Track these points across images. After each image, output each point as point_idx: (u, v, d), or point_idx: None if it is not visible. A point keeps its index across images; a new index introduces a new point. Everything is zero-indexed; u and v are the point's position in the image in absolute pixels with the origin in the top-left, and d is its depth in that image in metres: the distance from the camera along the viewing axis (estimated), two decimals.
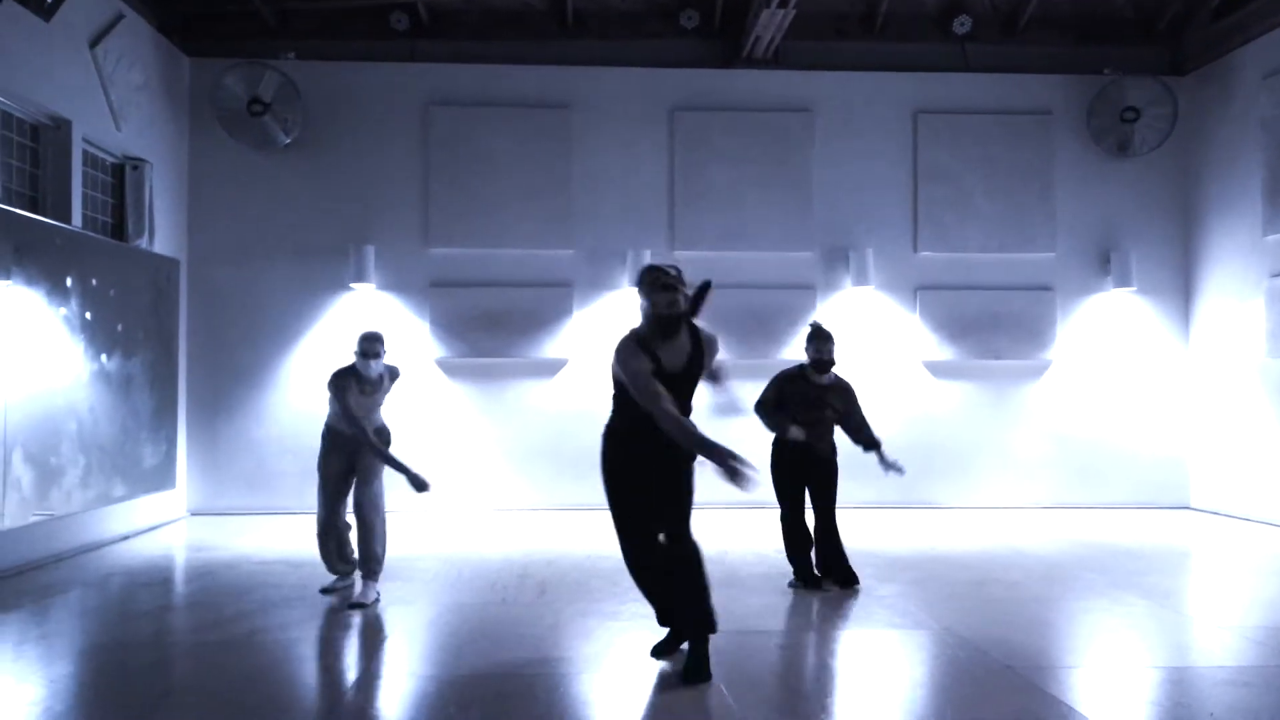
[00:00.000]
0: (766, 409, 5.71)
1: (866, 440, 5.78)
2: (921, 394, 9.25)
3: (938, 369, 9.28)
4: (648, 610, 5.07)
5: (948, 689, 3.87)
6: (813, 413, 5.65)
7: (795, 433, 5.56)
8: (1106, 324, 9.38)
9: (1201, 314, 9.27)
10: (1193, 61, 9.36)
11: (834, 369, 5.73)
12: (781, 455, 5.73)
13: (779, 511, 5.78)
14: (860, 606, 5.22)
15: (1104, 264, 9.34)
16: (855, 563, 5.99)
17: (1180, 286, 9.43)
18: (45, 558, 6.39)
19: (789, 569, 5.78)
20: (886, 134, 9.30)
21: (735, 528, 7.38)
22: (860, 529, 7.83)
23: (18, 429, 5.80)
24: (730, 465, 3.53)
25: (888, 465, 5.71)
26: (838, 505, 5.80)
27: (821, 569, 5.72)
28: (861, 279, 9.08)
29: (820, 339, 5.68)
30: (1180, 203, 9.44)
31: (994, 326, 9.22)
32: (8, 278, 5.72)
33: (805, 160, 9.20)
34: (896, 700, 3.74)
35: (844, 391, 5.78)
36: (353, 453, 5.28)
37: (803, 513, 5.78)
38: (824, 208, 9.22)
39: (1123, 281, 9.21)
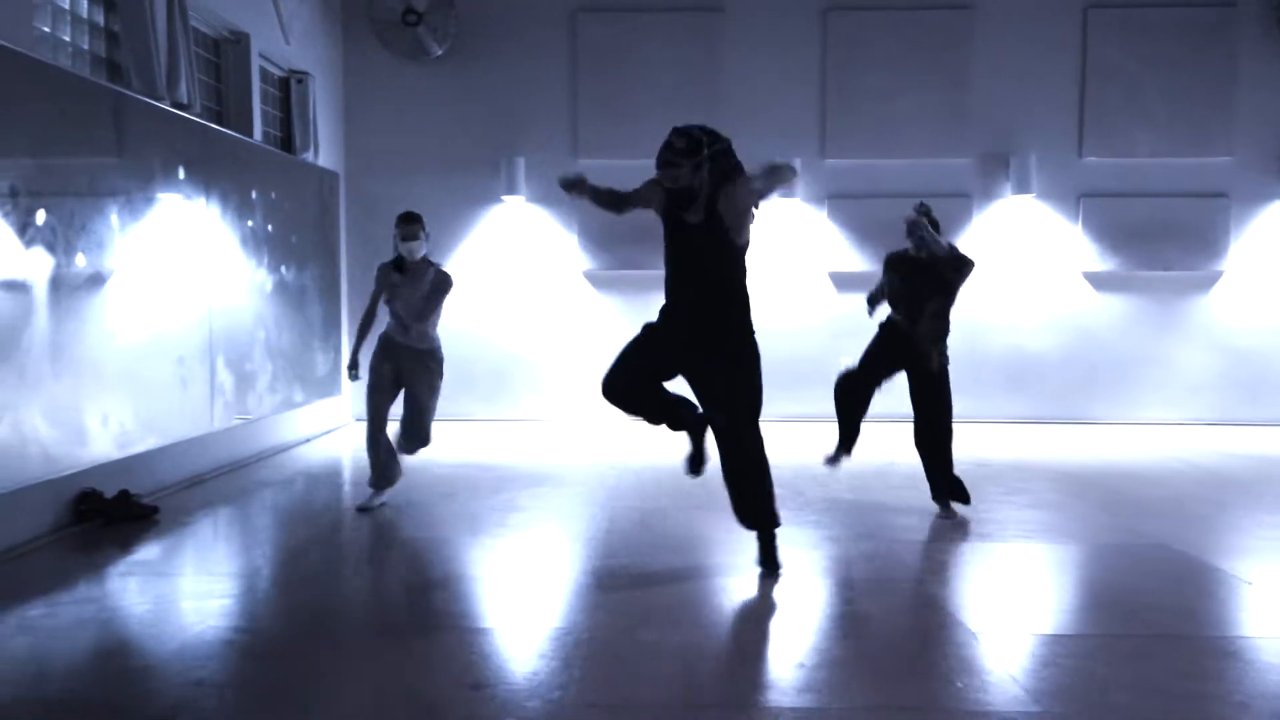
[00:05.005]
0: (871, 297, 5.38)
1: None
2: (1081, 306, 8.93)
3: (1099, 281, 8.92)
4: (793, 525, 5.11)
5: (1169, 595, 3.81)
6: (908, 289, 5.10)
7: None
8: None
9: None
10: None
11: (936, 245, 4.92)
12: (883, 338, 5.25)
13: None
14: (1012, 520, 5.15)
15: None
16: (1023, 476, 5.91)
17: None
18: (247, 457, 6.79)
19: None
20: (1052, 30, 8.78)
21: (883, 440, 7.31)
22: (1017, 443, 7.71)
23: (220, 336, 6.11)
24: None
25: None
26: (952, 422, 5.10)
27: (935, 492, 5.17)
28: (1022, 187, 8.71)
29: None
30: None
31: (1163, 236, 8.77)
32: (205, 194, 5.95)
33: (964, 61, 8.79)
34: (1119, 611, 3.70)
35: (950, 265, 4.99)
36: (401, 363, 5.37)
37: (872, 382, 5.28)
38: (982, 111, 8.82)
39: None
